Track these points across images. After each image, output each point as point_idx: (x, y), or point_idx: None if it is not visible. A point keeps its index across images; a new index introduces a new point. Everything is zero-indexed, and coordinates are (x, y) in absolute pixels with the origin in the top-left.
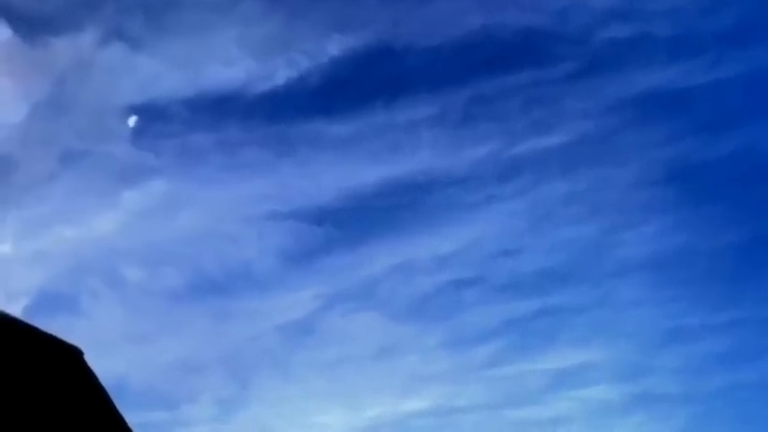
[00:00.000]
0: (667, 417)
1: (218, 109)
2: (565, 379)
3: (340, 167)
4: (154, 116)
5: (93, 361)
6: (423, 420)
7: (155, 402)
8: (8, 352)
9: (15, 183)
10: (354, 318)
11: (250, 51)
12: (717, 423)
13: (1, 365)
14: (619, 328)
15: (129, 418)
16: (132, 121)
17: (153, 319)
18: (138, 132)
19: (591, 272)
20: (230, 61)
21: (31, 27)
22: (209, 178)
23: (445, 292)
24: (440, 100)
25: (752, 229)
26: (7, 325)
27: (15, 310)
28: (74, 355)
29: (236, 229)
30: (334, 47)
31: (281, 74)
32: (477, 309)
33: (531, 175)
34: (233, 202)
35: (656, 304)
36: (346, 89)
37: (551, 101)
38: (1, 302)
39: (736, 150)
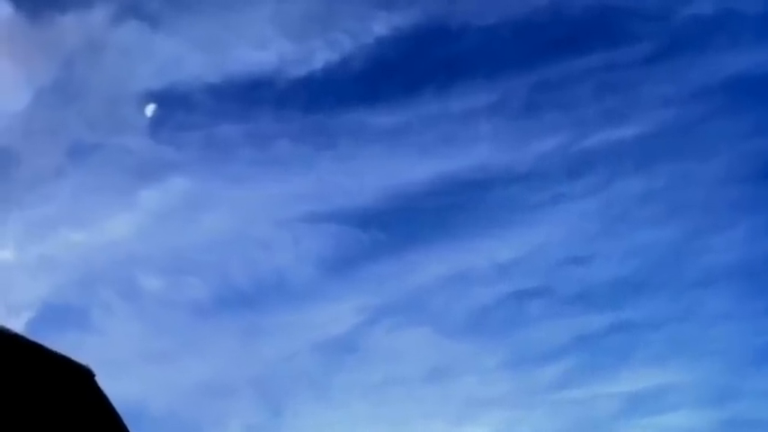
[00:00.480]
0: None
1: (248, 97)
2: (641, 403)
3: (386, 163)
4: (175, 104)
5: (106, 382)
6: None
7: (176, 430)
8: (10, 372)
9: (17, 180)
10: (403, 334)
11: (284, 31)
12: None
13: (2, 388)
14: (703, 345)
15: None
16: (150, 110)
17: (174, 336)
18: (156, 123)
19: (671, 281)
20: (262, 42)
21: (34, 3)
22: (238, 175)
23: (506, 304)
24: (500, 86)
25: None
26: (9, 342)
27: (17, 324)
28: (84, 375)
29: (269, 233)
30: (381, 26)
31: (319, 57)
32: (543, 324)
33: (603, 171)
34: (265, 203)
35: (745, 318)
36: (393, 74)
37: (626, 86)
38: (1, 316)
39: None
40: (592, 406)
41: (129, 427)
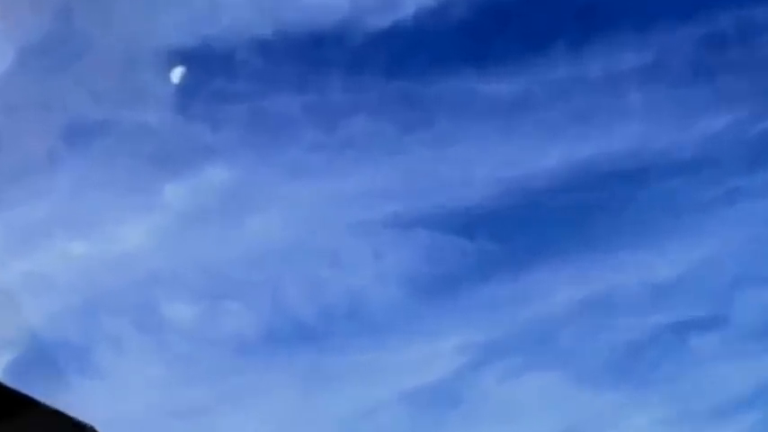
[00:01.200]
0: None
1: (310, 57)
2: None
3: (499, 147)
4: (210, 67)
5: None
6: None
7: None
8: None
9: None
10: (522, 381)
11: None
12: None
13: None
14: None
15: None
16: (177, 75)
17: (208, 382)
18: (185, 93)
19: None
20: None
21: None
22: (296, 164)
23: (664, 340)
24: (655, 41)
25: None
26: None
27: None
28: None
29: (338, 243)
30: None
31: (408, 1)
32: (715, 366)
33: None
34: (332, 201)
35: None
36: (509, 26)
37: None
38: None
39: None
40: None
41: None
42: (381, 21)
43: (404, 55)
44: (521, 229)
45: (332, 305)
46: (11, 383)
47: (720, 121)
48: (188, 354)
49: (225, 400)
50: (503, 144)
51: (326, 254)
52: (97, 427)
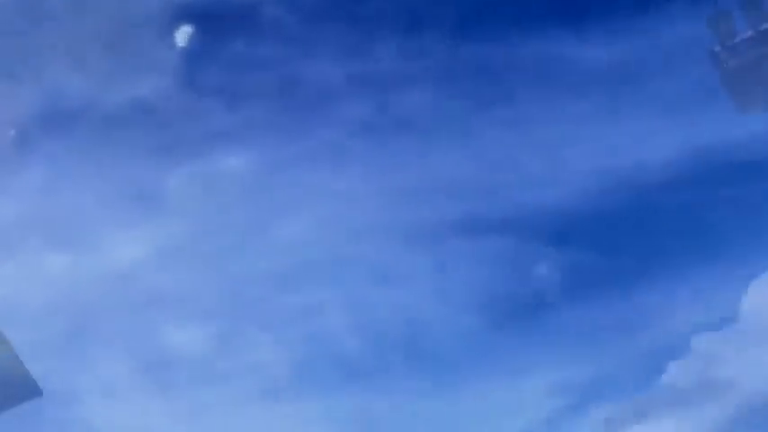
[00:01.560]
0: None
1: (354, 13)
2: None
3: (598, 129)
4: (225, 27)
5: None
6: None
7: None
8: None
9: None
10: (633, 428)
11: None
12: None
13: None
14: None
15: None
16: (183, 37)
17: (224, 427)
18: (194, 59)
19: None
20: None
21: None
22: (334, 150)
23: None
24: None
25: None
26: None
27: None
28: None
29: (389, 253)
30: None
31: None
32: None
33: None
34: (381, 199)
35: None
36: None
37: None
38: None
39: None
40: None
41: None
42: None
43: (475, 12)
44: (627, 236)
45: (383, 333)
46: None
47: None
48: (198, 392)
49: None
50: (603, 126)
51: (375, 267)
52: None
